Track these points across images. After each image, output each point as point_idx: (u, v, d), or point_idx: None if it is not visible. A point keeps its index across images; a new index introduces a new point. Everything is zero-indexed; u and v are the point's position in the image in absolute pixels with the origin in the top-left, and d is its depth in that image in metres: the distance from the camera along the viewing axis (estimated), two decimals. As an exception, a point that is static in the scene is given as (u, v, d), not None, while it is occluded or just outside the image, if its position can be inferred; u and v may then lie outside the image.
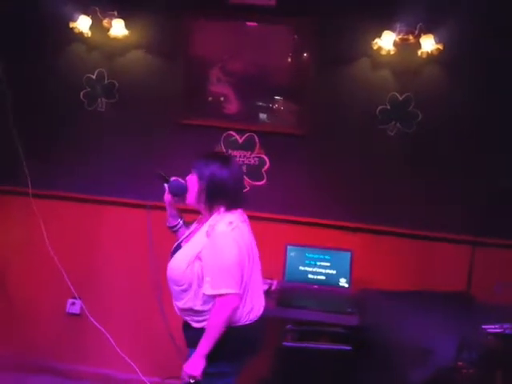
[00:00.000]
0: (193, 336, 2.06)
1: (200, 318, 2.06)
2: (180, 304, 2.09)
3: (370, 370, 2.41)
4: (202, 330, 2.03)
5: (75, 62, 3.41)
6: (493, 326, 1.80)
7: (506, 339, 1.76)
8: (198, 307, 2.03)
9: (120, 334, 3.34)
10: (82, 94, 3.40)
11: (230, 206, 2.10)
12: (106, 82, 3.39)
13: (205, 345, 1.98)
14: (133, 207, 3.27)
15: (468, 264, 2.14)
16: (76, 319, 3.41)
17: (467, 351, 1.87)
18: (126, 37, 3.31)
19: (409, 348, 2.18)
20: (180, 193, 2.20)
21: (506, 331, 1.77)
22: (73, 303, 3.41)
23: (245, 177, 3.23)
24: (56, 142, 3.42)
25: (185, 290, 2.04)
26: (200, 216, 2.24)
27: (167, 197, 2.25)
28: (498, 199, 2.62)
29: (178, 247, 2.19)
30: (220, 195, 2.08)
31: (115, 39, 3.30)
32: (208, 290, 1.99)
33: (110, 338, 3.32)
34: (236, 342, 2.05)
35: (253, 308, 2.12)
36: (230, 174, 2.10)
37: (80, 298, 3.40)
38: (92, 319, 3.33)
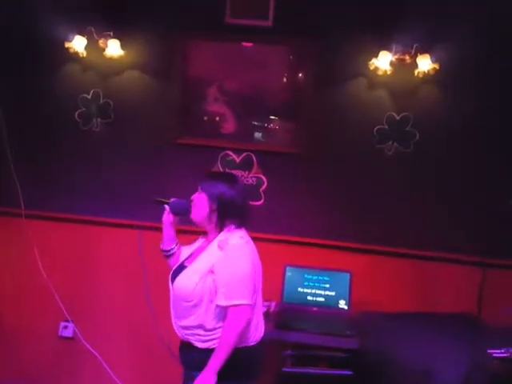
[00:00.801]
0: (196, 357, 2.02)
1: (207, 338, 2.02)
2: (187, 322, 2.05)
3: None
4: (206, 352, 2.00)
5: (70, 81, 3.41)
6: (499, 351, 1.76)
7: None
8: (209, 324, 2.01)
9: (114, 358, 3.28)
10: (76, 113, 3.39)
11: (240, 224, 2.14)
12: (101, 101, 3.37)
13: (217, 360, 1.94)
14: (127, 228, 3.22)
15: (469, 285, 2.10)
16: (69, 343, 3.35)
17: (474, 375, 1.82)
18: (121, 57, 3.31)
19: (410, 371, 2.13)
20: (183, 212, 2.24)
21: (512, 356, 1.73)
22: (65, 326, 3.34)
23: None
24: (50, 162, 3.39)
25: (195, 306, 2.02)
26: (202, 236, 2.27)
27: (167, 217, 2.27)
28: (498, 220, 2.60)
29: (182, 267, 2.16)
30: (231, 214, 2.11)
31: (111, 59, 3.30)
32: (222, 300, 1.98)
33: (103, 362, 3.25)
34: (245, 364, 2.05)
35: (257, 326, 2.12)
36: (239, 192, 2.15)
37: (73, 321, 3.33)
38: (85, 343, 3.28)
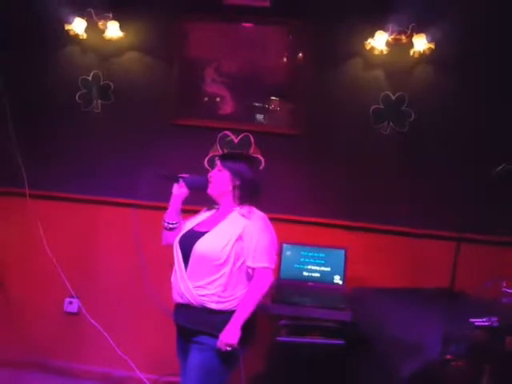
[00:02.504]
0: (209, 319, 2.15)
1: (223, 299, 2.17)
2: (207, 281, 2.16)
3: (362, 364, 2.44)
4: (221, 313, 2.15)
5: (71, 63, 3.45)
6: (480, 320, 1.83)
7: (493, 332, 1.79)
8: (229, 285, 2.18)
9: (117, 332, 3.37)
10: (77, 95, 3.44)
11: (253, 200, 2.36)
12: (101, 83, 3.42)
13: (242, 314, 2.14)
14: (127, 207, 3.29)
15: (458, 261, 2.16)
16: (73, 318, 3.44)
17: (455, 344, 1.90)
18: (121, 38, 3.35)
19: (399, 342, 2.21)
20: (200, 186, 2.36)
21: (494, 324, 1.80)
22: (70, 302, 3.44)
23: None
24: (52, 143, 3.45)
25: (221, 265, 2.17)
26: (206, 209, 2.45)
27: (180, 191, 2.37)
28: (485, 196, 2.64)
29: (196, 233, 2.27)
30: (251, 191, 2.34)
31: (110, 41, 3.34)
32: (253, 263, 2.20)
33: (108, 337, 3.35)
34: (252, 327, 2.23)
35: None
36: (257, 172, 2.46)
37: (77, 297, 3.43)
38: (89, 318, 3.37)
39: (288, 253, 3.10)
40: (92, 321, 3.37)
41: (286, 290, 2.90)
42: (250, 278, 2.23)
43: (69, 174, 3.44)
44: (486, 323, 1.82)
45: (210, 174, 2.38)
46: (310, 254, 3.08)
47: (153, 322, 3.21)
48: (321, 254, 3.07)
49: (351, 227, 3.23)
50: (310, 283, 3.03)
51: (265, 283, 2.19)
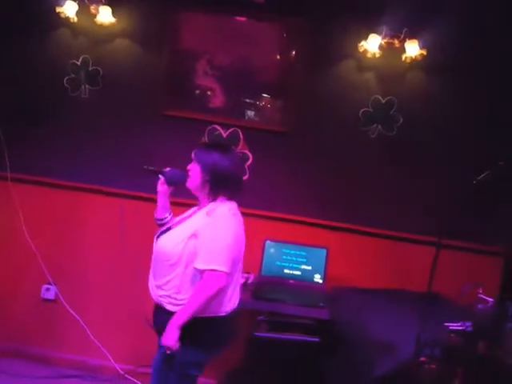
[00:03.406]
0: (165, 320, 2.04)
1: (179, 302, 2.05)
2: (162, 281, 2.08)
3: (337, 362, 2.47)
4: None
5: (60, 47, 3.41)
6: (455, 324, 1.86)
7: (466, 336, 1.82)
8: (183, 287, 2.05)
9: (94, 321, 3.35)
10: (65, 79, 3.39)
11: (232, 195, 2.18)
12: (90, 68, 3.38)
13: (181, 316, 1.99)
14: (111, 195, 3.28)
15: (438, 265, 2.19)
16: (51, 305, 3.41)
17: (430, 347, 1.92)
18: (112, 24, 3.31)
19: (375, 343, 2.23)
20: (178, 181, 2.26)
21: (467, 329, 1.83)
22: (47, 289, 3.41)
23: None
24: (37, 127, 3.40)
25: (173, 265, 2.05)
26: (195, 206, 2.31)
27: (162, 187, 2.29)
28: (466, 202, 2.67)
29: (168, 229, 2.21)
30: (223, 185, 2.15)
31: (102, 26, 3.30)
32: (200, 264, 2.01)
33: (84, 325, 3.33)
34: (217, 333, 2.10)
35: (231, 298, 2.15)
36: (232, 163, 2.18)
37: (55, 284, 3.40)
38: (66, 305, 3.35)
39: (270, 250, 3.11)
40: (69, 308, 3.34)
41: (267, 287, 2.91)
42: None
43: (53, 158, 3.40)
44: (461, 327, 1.85)
45: (188, 167, 2.24)
46: (291, 251, 3.10)
47: (130, 313, 3.20)
48: (302, 253, 3.09)
49: (334, 227, 3.25)
50: (290, 281, 3.05)
51: (211, 287, 1.98)
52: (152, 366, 2.16)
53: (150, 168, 2.30)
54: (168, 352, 2.00)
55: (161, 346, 2.07)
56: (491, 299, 1.82)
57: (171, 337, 1.98)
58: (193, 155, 2.24)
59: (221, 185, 2.15)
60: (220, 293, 2.03)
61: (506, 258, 1.53)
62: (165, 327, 2.02)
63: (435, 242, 2.31)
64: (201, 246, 2.03)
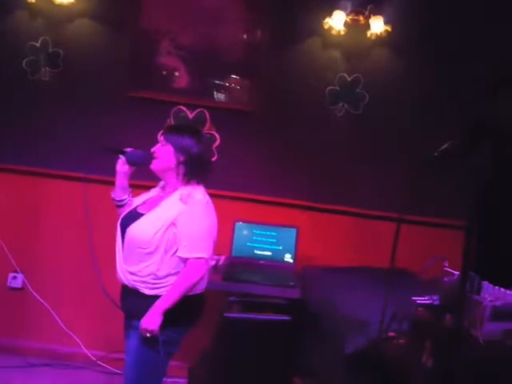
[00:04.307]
0: (141, 304, 2.05)
1: (157, 285, 2.06)
2: (137, 268, 2.06)
3: (310, 341, 2.49)
4: (153, 298, 2.04)
5: (18, 29, 3.29)
6: (422, 298, 1.89)
7: (434, 310, 1.85)
8: (161, 273, 2.05)
9: (63, 308, 3.31)
10: (24, 62, 3.28)
11: (201, 180, 2.18)
12: (50, 50, 3.27)
13: (166, 301, 2.02)
14: (75, 180, 3.19)
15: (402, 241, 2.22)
16: (18, 293, 3.34)
17: (398, 322, 1.95)
18: (72, 4, 3.21)
19: (345, 320, 2.26)
20: (141, 162, 2.21)
21: (435, 302, 1.86)
22: (14, 277, 3.34)
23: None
24: (-3, 112, 3.29)
25: (150, 253, 2.05)
26: (156, 187, 2.29)
27: (122, 167, 2.24)
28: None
29: (137, 214, 2.16)
30: (197, 169, 2.15)
31: (61, 6, 3.20)
32: (184, 252, 2.05)
33: (53, 312, 3.28)
34: (189, 311, 2.13)
35: (205, 276, 2.17)
36: (205, 147, 2.21)
37: (22, 272, 3.33)
38: (34, 293, 3.29)
39: (240, 231, 3.11)
40: (37, 296, 3.29)
41: (237, 268, 2.92)
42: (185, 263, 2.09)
43: (14, 144, 3.29)
44: (428, 301, 1.88)
45: (153, 149, 2.20)
46: (261, 232, 3.10)
47: (99, 298, 3.13)
48: (272, 233, 3.09)
49: (303, 206, 3.27)
50: (261, 261, 3.06)
51: (196, 274, 2.04)
52: (126, 349, 2.15)
53: (110, 148, 2.26)
54: (148, 335, 2.01)
55: (135, 329, 2.07)
56: (457, 272, 1.84)
57: (153, 321, 2.01)
58: (161, 137, 2.21)
59: (196, 168, 2.14)
60: (203, 277, 2.08)
61: (466, 230, 1.55)
62: (140, 310, 2.04)
63: (397, 218, 2.35)
64: (182, 234, 2.05)
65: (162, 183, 2.28)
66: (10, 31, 3.28)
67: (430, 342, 1.82)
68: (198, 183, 2.17)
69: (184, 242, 2.05)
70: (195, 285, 2.06)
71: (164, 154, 2.16)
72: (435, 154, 1.73)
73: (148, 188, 2.35)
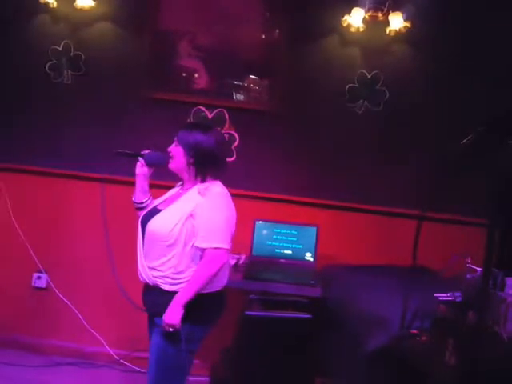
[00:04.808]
0: (162, 301, 2.06)
1: (176, 280, 2.07)
2: (158, 263, 2.08)
3: (330, 339, 2.47)
4: (174, 294, 2.04)
5: (41, 33, 3.35)
6: (444, 295, 1.86)
7: (456, 307, 1.82)
8: (181, 266, 2.06)
9: (86, 308, 3.35)
10: (47, 66, 3.34)
11: (218, 175, 2.19)
12: (72, 54, 3.33)
13: (186, 294, 2.02)
14: (98, 181, 3.23)
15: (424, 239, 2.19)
16: (42, 293, 3.40)
17: (420, 319, 1.93)
18: (92, 8, 3.27)
19: (366, 318, 2.24)
20: (158, 164, 2.24)
21: (457, 299, 1.83)
22: (39, 277, 3.39)
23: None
24: (21, 115, 3.36)
25: (170, 246, 2.06)
26: (177, 185, 2.31)
27: (141, 170, 2.27)
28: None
29: (156, 210, 2.18)
30: (208, 165, 2.15)
31: (82, 10, 3.26)
32: (202, 242, 2.05)
33: (77, 312, 3.32)
34: (210, 308, 2.13)
35: (224, 274, 2.18)
36: (215, 142, 2.17)
37: (46, 272, 3.38)
38: (58, 293, 3.34)
39: (260, 230, 3.11)
40: (61, 296, 3.33)
41: (258, 267, 2.91)
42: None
43: (38, 146, 3.36)
44: (450, 298, 1.85)
45: (169, 149, 2.21)
46: (282, 231, 3.09)
47: (122, 297, 3.18)
48: (293, 231, 3.08)
49: (323, 205, 3.25)
50: (281, 260, 3.05)
51: (214, 264, 2.03)
52: (150, 348, 2.16)
53: (124, 152, 2.28)
54: (171, 330, 2.01)
55: (157, 326, 2.09)
56: (479, 269, 1.81)
57: (175, 315, 2.01)
58: (175, 137, 2.22)
59: (206, 164, 2.15)
60: (222, 269, 2.07)
61: (489, 225, 1.53)
62: (161, 307, 2.04)
63: (418, 215, 2.33)
64: (200, 225, 2.05)
65: (181, 182, 2.30)
66: (33, 35, 3.35)
67: (453, 339, 1.80)
68: (215, 179, 2.18)
69: (202, 233, 2.05)
70: (214, 276, 2.05)
71: (176, 155, 2.18)
72: (462, 142, 1.70)
73: (168, 188, 2.37)
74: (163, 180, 2.35)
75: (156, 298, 2.11)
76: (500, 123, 1.66)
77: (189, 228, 2.06)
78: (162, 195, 2.34)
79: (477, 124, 1.93)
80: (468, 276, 1.87)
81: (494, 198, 1.60)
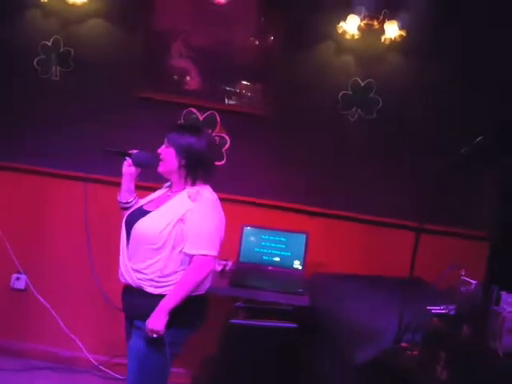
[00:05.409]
0: (145, 303, 2.02)
1: (162, 284, 2.03)
2: (143, 265, 2.04)
3: (318, 349, 2.42)
4: (157, 297, 2.01)
5: (31, 28, 3.28)
6: (437, 307, 1.82)
7: (449, 320, 1.78)
8: (167, 270, 2.03)
9: (66, 311, 3.26)
10: (36, 61, 3.27)
11: (208, 178, 2.17)
12: (61, 49, 3.26)
13: (171, 300, 2.00)
14: (82, 181, 3.16)
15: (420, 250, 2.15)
16: (21, 295, 3.30)
17: (411, 332, 1.88)
18: (84, 4, 3.20)
19: (355, 329, 2.19)
20: (148, 164, 2.20)
21: (451, 312, 1.79)
22: (17, 278, 3.30)
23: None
24: (5, 111, 3.26)
25: (157, 249, 2.03)
26: (164, 187, 2.29)
27: (128, 169, 2.23)
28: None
29: (143, 211, 2.14)
30: (199, 168, 2.14)
31: (74, 6, 3.19)
32: (190, 249, 2.04)
33: (56, 315, 3.23)
34: (193, 312, 2.10)
35: (209, 277, 2.16)
36: (207, 144, 2.16)
37: (25, 273, 3.28)
38: (37, 295, 3.24)
39: (248, 236, 3.05)
40: (40, 298, 3.24)
41: (245, 274, 2.86)
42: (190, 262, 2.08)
43: (22, 143, 3.26)
44: (443, 311, 1.81)
45: (159, 151, 2.18)
46: (270, 237, 3.04)
47: (103, 302, 3.09)
48: (282, 238, 3.03)
49: (313, 212, 3.21)
50: (269, 267, 3.00)
51: (202, 271, 2.03)
52: (129, 351, 2.11)
53: (113, 150, 2.25)
54: (154, 336, 1.98)
55: (138, 329, 2.05)
56: (474, 281, 1.77)
57: (159, 321, 1.98)
58: (166, 139, 2.19)
59: (197, 167, 2.13)
60: (208, 275, 2.08)
61: (491, 241, 1.49)
62: (143, 309, 2.01)
63: (416, 227, 2.30)
64: (190, 231, 2.04)
65: (168, 183, 2.27)
66: (23, 30, 3.27)
67: (445, 353, 1.75)
68: (204, 183, 2.16)
69: (191, 239, 2.04)
70: (201, 283, 2.05)
71: (167, 157, 2.15)
72: (462, 151, 1.67)
73: (154, 189, 2.33)
74: (148, 181, 2.29)
75: (139, 300, 2.06)
76: (499, 134, 1.63)
77: (178, 232, 2.04)
78: (145, 196, 2.30)
79: (473, 133, 1.91)
80: (462, 289, 1.83)
81: (493, 210, 1.56)
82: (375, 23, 3.08)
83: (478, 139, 1.73)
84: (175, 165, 2.13)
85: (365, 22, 3.08)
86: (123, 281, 2.11)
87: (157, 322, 1.97)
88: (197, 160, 2.12)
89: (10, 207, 3.27)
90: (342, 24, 3.09)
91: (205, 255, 2.03)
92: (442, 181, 2.08)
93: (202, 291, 2.12)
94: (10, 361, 3.17)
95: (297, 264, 2.99)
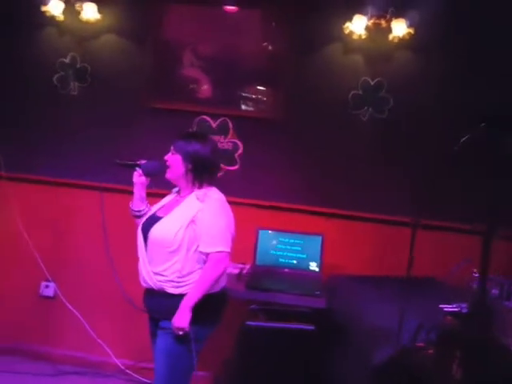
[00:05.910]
0: (167, 304, 2.12)
1: (181, 283, 2.13)
2: (162, 268, 2.14)
3: (335, 351, 2.44)
4: (178, 297, 2.11)
5: (48, 46, 3.41)
6: (450, 306, 1.83)
7: (462, 318, 1.79)
8: (185, 270, 2.13)
9: (94, 317, 3.36)
10: (55, 78, 3.40)
11: (213, 181, 2.28)
12: (78, 66, 3.38)
13: (193, 297, 2.09)
14: (106, 191, 3.25)
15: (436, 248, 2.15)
16: (49, 302, 3.42)
17: (426, 332, 1.89)
18: (98, 21, 3.31)
19: (372, 330, 2.20)
20: (156, 173, 2.31)
21: (463, 310, 1.80)
22: (46, 286, 3.41)
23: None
24: (29, 126, 3.42)
25: (173, 252, 2.12)
26: (172, 192, 2.38)
27: (140, 179, 2.33)
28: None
29: (156, 218, 2.24)
30: (205, 172, 2.24)
31: (87, 23, 3.30)
32: (206, 248, 2.13)
33: (84, 321, 3.33)
34: (217, 307, 2.23)
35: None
36: (211, 150, 2.27)
37: (54, 281, 3.40)
38: (66, 302, 3.35)
39: (264, 239, 3.08)
40: (68, 305, 3.34)
41: (261, 277, 2.89)
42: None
43: (46, 156, 3.40)
44: (456, 309, 1.82)
45: (165, 158, 2.28)
46: (286, 240, 3.06)
47: (129, 308, 3.17)
48: (297, 241, 3.05)
49: (328, 214, 3.21)
50: (285, 269, 3.02)
51: (218, 267, 2.13)
52: (156, 351, 2.20)
53: (122, 162, 2.35)
54: (180, 333, 2.08)
55: (163, 329, 2.15)
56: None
57: (184, 319, 2.08)
58: (172, 147, 2.28)
59: (203, 171, 2.23)
60: (225, 271, 2.18)
61: (485, 235, 1.50)
62: (167, 309, 2.11)
63: (411, 223, 2.31)
64: (202, 230, 2.13)
65: (176, 188, 2.37)
66: (40, 48, 3.41)
67: (460, 351, 1.76)
68: (210, 185, 2.26)
69: (205, 238, 2.13)
70: (218, 278, 2.14)
71: (174, 163, 2.25)
72: (462, 140, 1.67)
73: (163, 196, 2.42)
74: (158, 188, 2.40)
75: (162, 301, 2.17)
76: (500, 119, 1.63)
77: (191, 233, 2.13)
78: (156, 203, 2.38)
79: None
80: (474, 285, 1.83)
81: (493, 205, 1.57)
82: (382, 22, 3.07)
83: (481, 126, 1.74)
84: (182, 170, 2.23)
85: (372, 21, 3.07)
86: (145, 285, 2.21)
87: (181, 319, 2.07)
88: (202, 164, 2.23)
89: (38, 217, 3.40)
90: (348, 24, 3.09)
91: (220, 252, 2.13)
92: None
93: (217, 289, 2.20)
94: (39, 366, 3.30)
95: (313, 266, 3.01)
